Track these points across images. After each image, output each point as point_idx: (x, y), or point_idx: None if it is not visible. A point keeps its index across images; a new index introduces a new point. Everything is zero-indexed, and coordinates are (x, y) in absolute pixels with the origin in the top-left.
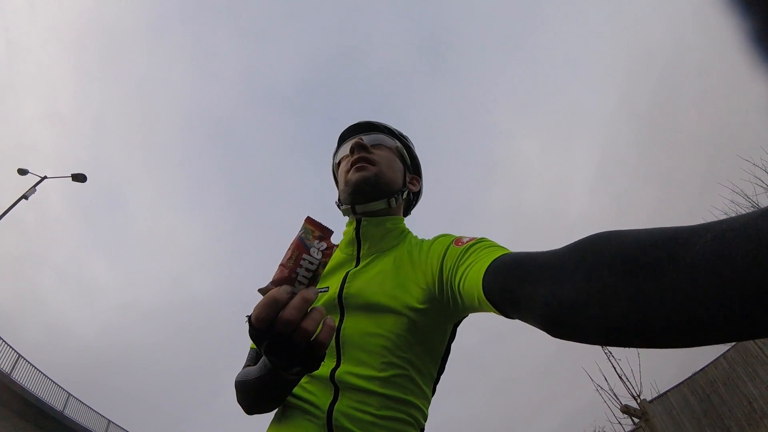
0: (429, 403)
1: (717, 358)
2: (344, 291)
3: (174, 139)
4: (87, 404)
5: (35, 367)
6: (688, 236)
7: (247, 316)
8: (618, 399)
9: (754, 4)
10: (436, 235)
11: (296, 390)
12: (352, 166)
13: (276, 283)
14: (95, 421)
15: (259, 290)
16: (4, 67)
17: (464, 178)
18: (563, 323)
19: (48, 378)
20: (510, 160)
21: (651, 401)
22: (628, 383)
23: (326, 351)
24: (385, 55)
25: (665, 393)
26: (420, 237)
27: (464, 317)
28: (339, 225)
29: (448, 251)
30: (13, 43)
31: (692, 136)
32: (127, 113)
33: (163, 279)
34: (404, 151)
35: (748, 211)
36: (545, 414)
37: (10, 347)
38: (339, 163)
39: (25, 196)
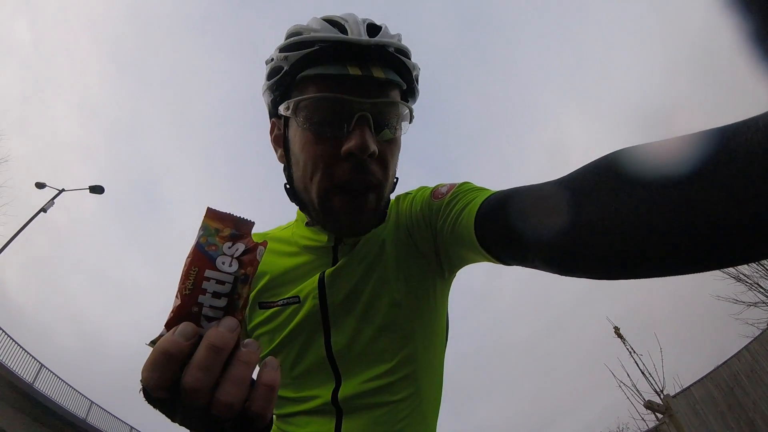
0: (441, 385)
1: (740, 351)
2: (328, 299)
3: (213, 130)
4: (110, 411)
5: (58, 377)
6: (735, 130)
7: (140, 380)
8: (641, 395)
9: (754, 4)
10: (413, 189)
11: (290, 424)
12: (347, 185)
13: (169, 324)
14: (117, 427)
15: (149, 344)
16: (33, 64)
17: (516, 159)
18: (578, 252)
19: (71, 387)
20: (555, 139)
21: (674, 396)
22: (651, 379)
23: (271, 420)
24: (429, 40)
25: (689, 387)
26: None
27: (454, 275)
28: None
29: (428, 208)
30: (41, 38)
31: (719, 110)
32: (165, 105)
33: None
34: (410, 110)
35: None
36: (582, 409)
37: (33, 357)
38: (297, 108)
39: (43, 209)
